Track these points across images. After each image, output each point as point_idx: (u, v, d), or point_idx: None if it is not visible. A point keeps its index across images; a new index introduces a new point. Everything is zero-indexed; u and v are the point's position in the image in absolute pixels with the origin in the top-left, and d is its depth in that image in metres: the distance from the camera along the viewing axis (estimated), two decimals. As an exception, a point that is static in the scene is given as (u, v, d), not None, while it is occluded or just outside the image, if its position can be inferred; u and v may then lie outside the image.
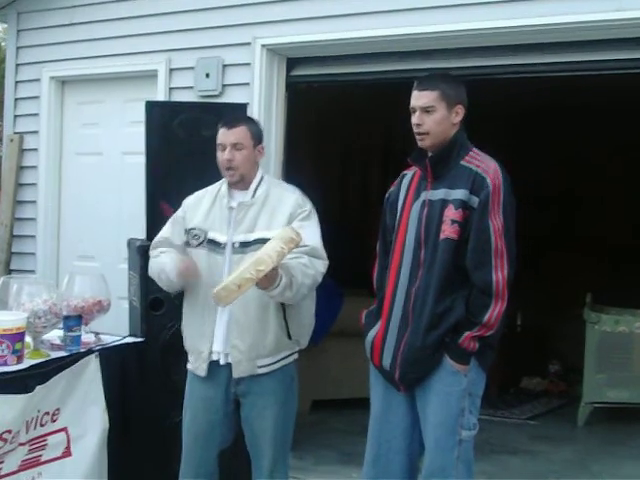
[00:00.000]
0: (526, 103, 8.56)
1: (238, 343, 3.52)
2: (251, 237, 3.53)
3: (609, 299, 6.66)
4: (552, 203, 10.29)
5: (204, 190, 3.77)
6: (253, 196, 3.62)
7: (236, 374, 3.55)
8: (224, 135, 3.61)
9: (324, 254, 3.60)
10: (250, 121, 3.73)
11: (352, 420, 6.20)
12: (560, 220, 10.29)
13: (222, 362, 3.58)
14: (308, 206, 3.64)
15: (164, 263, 3.59)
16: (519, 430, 6.31)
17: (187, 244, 3.66)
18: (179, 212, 3.77)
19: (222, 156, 3.61)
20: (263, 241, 3.40)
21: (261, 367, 3.55)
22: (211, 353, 3.58)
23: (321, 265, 3.57)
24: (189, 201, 3.78)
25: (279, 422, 3.62)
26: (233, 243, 3.55)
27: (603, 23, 4.40)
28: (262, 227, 3.54)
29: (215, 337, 3.57)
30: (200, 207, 3.69)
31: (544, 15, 4.51)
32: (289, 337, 3.58)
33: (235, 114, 3.76)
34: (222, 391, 3.61)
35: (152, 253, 3.75)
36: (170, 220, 3.79)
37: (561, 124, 9.41)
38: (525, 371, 7.42)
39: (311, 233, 3.54)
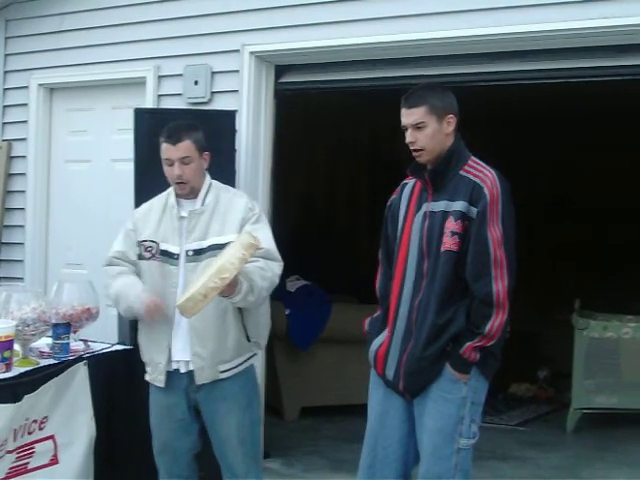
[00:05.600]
0: (512, 110, 8.61)
1: (199, 350, 3.55)
2: (204, 244, 3.56)
3: (597, 305, 6.68)
4: (541, 208, 10.37)
5: (151, 201, 3.79)
6: (203, 204, 3.64)
7: (199, 381, 3.58)
8: (170, 151, 3.60)
9: (279, 256, 3.63)
10: (192, 131, 3.68)
11: (341, 427, 6.21)
12: (549, 224, 10.36)
13: (183, 370, 3.61)
14: (257, 209, 3.69)
15: (126, 293, 3.62)
16: (508, 436, 6.32)
17: (140, 257, 3.68)
18: (129, 225, 3.77)
19: (171, 171, 3.61)
20: (217, 247, 3.46)
21: (223, 372, 3.58)
22: (170, 363, 3.61)
23: (277, 267, 3.59)
24: (138, 214, 3.79)
25: (245, 426, 3.65)
26: (187, 251, 3.57)
27: (588, 30, 4.42)
28: (214, 233, 3.57)
29: (173, 347, 3.60)
30: (150, 219, 3.70)
31: (529, 22, 4.53)
32: (248, 340, 3.63)
33: (175, 124, 3.71)
34: (182, 398, 3.64)
35: (109, 270, 3.75)
36: (121, 233, 3.79)
37: (547, 130, 9.48)
38: (514, 377, 7.43)
39: (264, 235, 3.55)
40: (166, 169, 3.64)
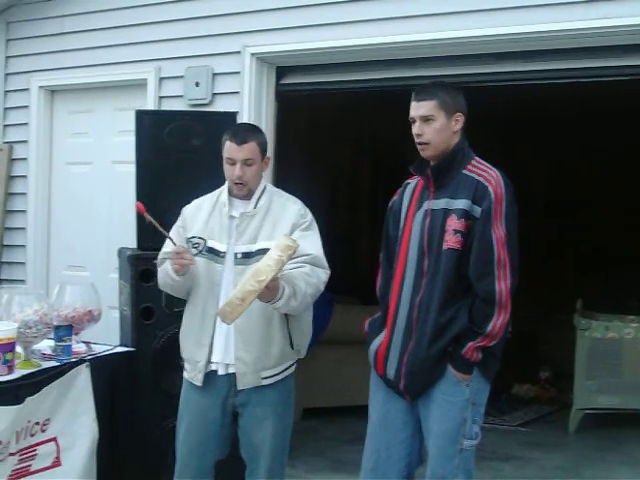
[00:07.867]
0: (512, 111, 8.61)
1: (243, 355, 3.49)
2: (253, 248, 3.51)
3: (599, 305, 6.68)
4: (544, 210, 10.37)
5: (202, 198, 3.73)
6: (255, 206, 3.59)
7: (240, 386, 3.51)
8: (235, 150, 3.55)
9: (326, 263, 3.57)
10: (258, 134, 3.67)
11: (343, 428, 6.21)
12: (551, 227, 10.36)
13: (221, 372, 3.55)
14: (309, 216, 3.64)
15: (165, 269, 3.60)
16: (510, 437, 6.31)
17: None
18: (178, 222, 3.74)
19: (232, 171, 3.55)
20: (265, 252, 3.36)
21: (265, 378, 3.52)
22: (209, 363, 3.55)
23: (323, 274, 3.54)
24: (188, 210, 3.74)
25: (278, 433, 3.59)
26: (236, 254, 3.52)
27: (589, 31, 4.43)
28: (264, 237, 3.52)
29: (214, 347, 3.54)
30: (199, 215, 3.66)
31: (531, 23, 4.53)
32: (292, 347, 3.58)
33: (242, 125, 3.72)
34: (220, 402, 3.57)
35: (159, 269, 3.75)
36: (171, 233, 3.77)
37: (550, 132, 9.48)
38: (515, 378, 7.44)
39: (313, 242, 3.53)
40: (227, 168, 3.59)
